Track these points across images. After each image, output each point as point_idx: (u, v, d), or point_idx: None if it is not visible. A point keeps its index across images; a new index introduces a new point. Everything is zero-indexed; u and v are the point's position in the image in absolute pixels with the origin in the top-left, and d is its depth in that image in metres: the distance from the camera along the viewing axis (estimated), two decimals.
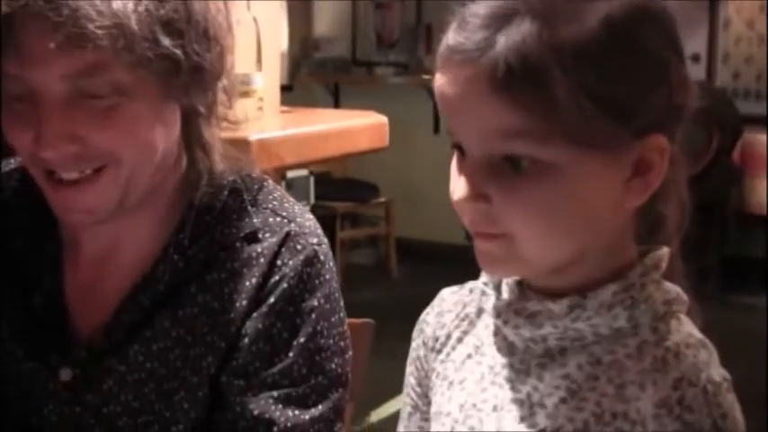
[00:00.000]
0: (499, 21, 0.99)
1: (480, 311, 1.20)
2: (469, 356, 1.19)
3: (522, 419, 1.10)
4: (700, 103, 1.09)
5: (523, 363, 1.12)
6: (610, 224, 1.07)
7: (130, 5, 1.23)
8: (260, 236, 1.40)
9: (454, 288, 1.26)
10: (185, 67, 1.27)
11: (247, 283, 1.38)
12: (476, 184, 1.03)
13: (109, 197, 1.32)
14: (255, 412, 1.36)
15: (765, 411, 3.48)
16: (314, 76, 7.68)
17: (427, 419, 1.24)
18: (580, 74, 0.98)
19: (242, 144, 2.22)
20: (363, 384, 1.66)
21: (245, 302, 1.38)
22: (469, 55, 1.00)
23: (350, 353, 1.44)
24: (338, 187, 6.81)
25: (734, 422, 1.04)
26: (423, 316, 1.27)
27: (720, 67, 6.46)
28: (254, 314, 1.37)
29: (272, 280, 1.38)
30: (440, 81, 1.04)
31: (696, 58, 6.23)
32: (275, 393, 1.36)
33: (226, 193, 1.42)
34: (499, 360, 1.14)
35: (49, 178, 1.32)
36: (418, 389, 1.26)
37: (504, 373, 1.13)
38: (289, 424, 1.35)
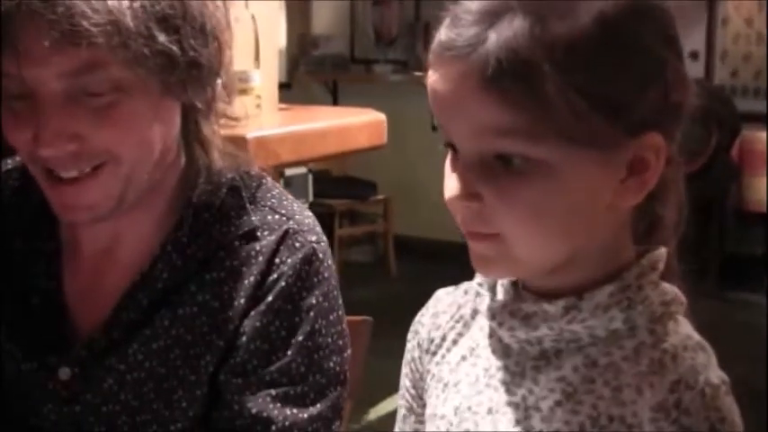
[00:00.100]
0: (491, 17, 0.98)
1: (475, 313, 1.19)
2: (464, 358, 1.18)
3: (518, 423, 1.09)
4: (698, 100, 1.07)
5: (518, 365, 1.11)
6: (605, 224, 1.06)
7: (125, 2, 1.23)
8: (258, 234, 1.40)
9: (449, 289, 1.25)
10: (182, 62, 1.27)
11: (246, 282, 1.38)
12: (467, 183, 1.02)
13: (108, 194, 1.32)
14: (253, 411, 1.35)
15: (766, 408, 3.49)
16: (312, 73, 7.68)
17: (422, 422, 1.23)
18: (572, 71, 0.96)
19: (240, 142, 2.21)
20: (361, 382, 1.66)
21: (243, 301, 1.37)
22: (461, 51, 0.98)
23: (348, 351, 1.44)
24: (336, 185, 6.81)
25: (732, 425, 1.02)
26: (418, 317, 1.26)
27: (719, 65, 6.46)
28: (253, 312, 1.37)
29: (271, 278, 1.38)
30: (432, 78, 1.02)
31: (694, 56, 6.22)
32: (273, 392, 1.36)
33: (224, 190, 1.42)
34: (494, 362, 1.13)
35: (48, 176, 1.32)
36: (413, 391, 1.25)
37: (499, 375, 1.12)
38: (287, 423, 1.35)
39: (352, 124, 2.97)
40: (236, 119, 1.44)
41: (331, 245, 1.49)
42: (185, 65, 1.28)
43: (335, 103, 7.59)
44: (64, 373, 1.38)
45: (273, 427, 1.35)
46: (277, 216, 1.42)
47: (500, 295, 1.13)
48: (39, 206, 1.40)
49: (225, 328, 1.37)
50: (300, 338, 1.38)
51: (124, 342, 1.38)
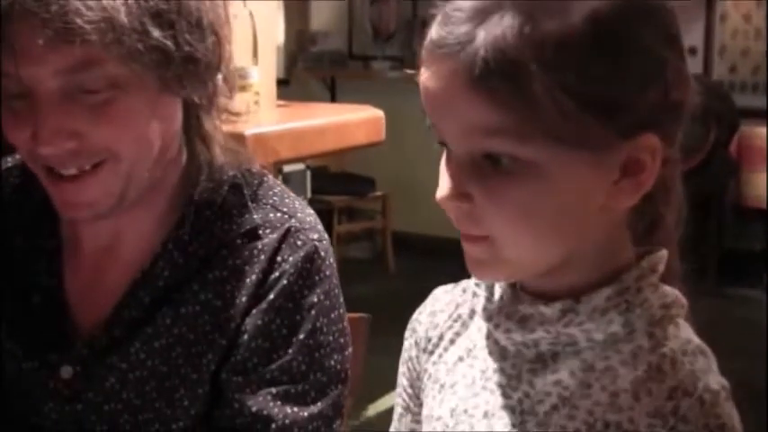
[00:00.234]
0: (482, 15, 0.96)
1: (473, 312, 1.18)
2: (461, 359, 1.17)
3: (514, 427, 1.07)
4: (697, 97, 1.05)
5: (515, 368, 1.09)
6: (599, 226, 1.04)
7: None
8: (260, 232, 1.40)
9: (447, 287, 1.24)
10: (177, 57, 1.27)
11: (248, 280, 1.38)
12: (457, 183, 1.01)
13: (109, 191, 1.32)
14: (254, 409, 1.35)
15: (765, 404, 3.49)
16: (310, 69, 7.68)
17: (419, 421, 1.23)
18: (560, 71, 0.94)
19: (238, 138, 2.21)
20: (360, 379, 1.66)
21: (245, 299, 1.37)
22: (450, 49, 0.97)
23: (350, 349, 1.44)
24: (335, 181, 6.81)
25: None
26: (415, 315, 1.25)
27: (717, 61, 6.46)
28: (254, 311, 1.37)
29: (272, 276, 1.38)
30: (423, 76, 1.01)
31: (693, 52, 6.22)
32: (274, 390, 1.36)
33: (226, 188, 1.41)
34: (491, 364, 1.12)
35: (48, 174, 1.32)
36: (410, 390, 1.24)
37: (496, 378, 1.11)
38: (287, 421, 1.35)
39: (351, 121, 2.97)
40: (237, 114, 1.44)
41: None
42: (181, 60, 1.27)
43: (333, 99, 7.58)
44: (65, 371, 1.37)
45: (274, 426, 1.35)
46: (279, 214, 1.42)
47: (497, 296, 1.12)
48: (39, 204, 1.40)
49: (227, 327, 1.37)
50: (302, 337, 1.37)
51: (126, 340, 1.37)
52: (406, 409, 1.25)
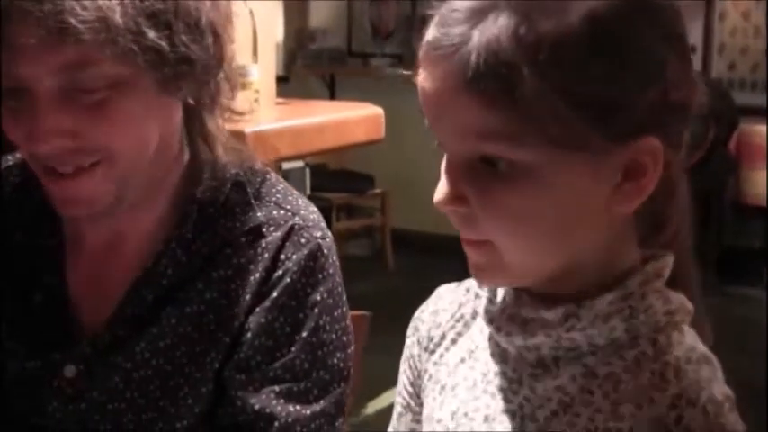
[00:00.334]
0: (477, 15, 0.94)
1: (476, 313, 1.16)
2: (463, 361, 1.15)
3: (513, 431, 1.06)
4: (703, 96, 1.03)
5: (516, 371, 1.08)
6: (601, 230, 1.02)
7: None
8: (264, 230, 1.40)
9: (451, 286, 1.23)
10: (172, 59, 1.26)
11: (251, 278, 1.38)
12: (454, 186, 1.00)
13: (106, 190, 1.32)
14: (257, 407, 1.35)
15: (765, 402, 3.49)
16: (309, 67, 7.68)
17: (419, 420, 1.22)
18: (554, 73, 0.92)
19: (238, 136, 2.21)
20: (360, 376, 1.66)
21: (248, 297, 1.37)
22: (445, 51, 0.95)
23: (352, 347, 1.44)
24: (334, 178, 6.81)
25: None
26: (418, 313, 1.24)
27: (716, 58, 6.46)
28: (258, 309, 1.37)
29: (276, 274, 1.38)
30: (420, 77, 1.00)
31: (692, 50, 6.21)
32: (277, 388, 1.36)
33: (229, 186, 1.41)
34: (492, 367, 1.11)
35: (46, 171, 1.32)
36: (411, 389, 1.24)
37: (497, 381, 1.09)
38: (290, 419, 1.35)
39: (350, 118, 2.97)
40: (240, 113, 1.44)
41: None
42: (176, 61, 1.27)
43: (332, 96, 7.58)
44: (69, 370, 1.37)
45: (276, 424, 1.34)
46: (282, 212, 1.42)
47: (499, 297, 1.10)
48: (40, 202, 1.39)
49: (230, 325, 1.37)
50: (305, 335, 1.37)
51: (130, 340, 1.37)
52: (407, 407, 1.25)
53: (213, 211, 1.40)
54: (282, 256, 1.38)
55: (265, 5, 2.89)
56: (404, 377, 1.25)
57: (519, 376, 1.07)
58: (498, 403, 1.08)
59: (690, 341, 1.04)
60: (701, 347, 1.05)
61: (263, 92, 2.78)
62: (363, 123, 2.97)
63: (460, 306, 1.19)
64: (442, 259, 3.61)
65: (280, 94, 3.08)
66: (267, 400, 1.35)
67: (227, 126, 1.44)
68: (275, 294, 1.37)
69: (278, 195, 1.44)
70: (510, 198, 0.97)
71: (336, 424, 1.39)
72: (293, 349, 1.37)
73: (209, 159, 1.40)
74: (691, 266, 1.11)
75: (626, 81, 0.95)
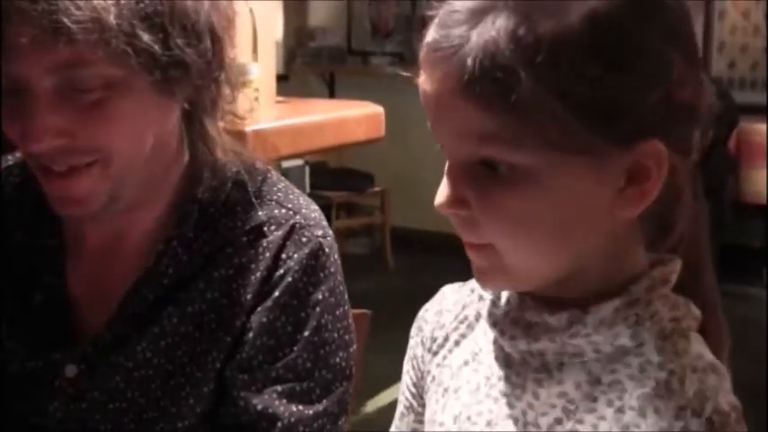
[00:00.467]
0: (476, 16, 0.93)
1: (479, 315, 1.15)
2: (466, 363, 1.14)
3: None
4: (712, 97, 1.02)
5: (520, 376, 1.06)
6: (606, 235, 1.00)
7: (111, 0, 1.21)
8: (265, 229, 1.40)
9: (455, 286, 1.21)
10: (166, 61, 1.26)
11: (253, 278, 1.37)
12: (455, 189, 0.98)
13: (100, 189, 1.31)
14: (259, 407, 1.35)
15: (765, 402, 3.49)
16: (309, 65, 7.68)
17: (421, 421, 1.21)
18: (551, 74, 0.90)
19: (238, 135, 2.21)
20: (360, 374, 1.66)
21: (250, 297, 1.37)
22: (444, 53, 0.94)
23: (354, 346, 1.43)
24: (333, 177, 6.81)
25: None
26: (422, 312, 1.23)
27: (716, 57, 6.46)
28: (259, 308, 1.37)
29: (277, 273, 1.38)
30: (421, 78, 0.99)
31: None
32: (279, 388, 1.36)
33: (229, 185, 1.41)
34: (496, 371, 1.09)
35: (43, 170, 1.32)
36: (413, 389, 1.23)
37: (500, 386, 1.08)
38: (292, 419, 1.35)
39: (351, 117, 2.96)
40: (242, 117, 1.43)
41: None
42: (171, 63, 1.26)
43: (332, 94, 7.59)
44: (70, 370, 1.37)
45: (279, 424, 1.34)
46: (284, 210, 1.41)
47: (503, 300, 1.09)
48: (41, 202, 1.39)
49: (232, 324, 1.37)
50: (306, 334, 1.37)
51: (131, 339, 1.37)
52: (409, 408, 1.24)
53: (214, 210, 1.40)
54: (284, 256, 1.38)
55: (265, 4, 2.88)
56: (407, 377, 1.24)
57: (522, 381, 1.06)
58: (502, 408, 1.07)
59: (696, 349, 1.02)
60: (709, 356, 1.02)
61: (262, 90, 2.78)
62: (363, 122, 2.97)
63: (464, 307, 1.18)
64: (441, 258, 3.61)
65: (279, 92, 3.08)
66: (270, 400, 1.35)
67: (228, 125, 1.44)
68: (277, 294, 1.37)
69: (279, 194, 1.43)
70: (510, 201, 0.96)
71: (339, 423, 1.39)
72: (295, 349, 1.37)
73: (208, 160, 1.40)
74: (708, 272, 1.08)
75: (627, 83, 0.93)
